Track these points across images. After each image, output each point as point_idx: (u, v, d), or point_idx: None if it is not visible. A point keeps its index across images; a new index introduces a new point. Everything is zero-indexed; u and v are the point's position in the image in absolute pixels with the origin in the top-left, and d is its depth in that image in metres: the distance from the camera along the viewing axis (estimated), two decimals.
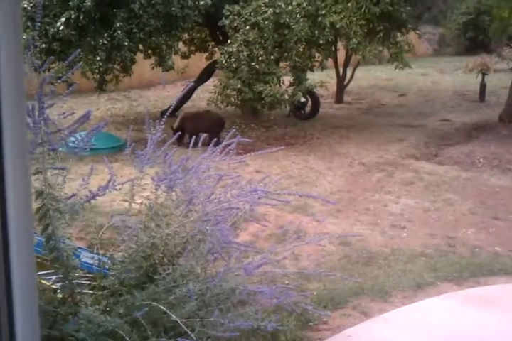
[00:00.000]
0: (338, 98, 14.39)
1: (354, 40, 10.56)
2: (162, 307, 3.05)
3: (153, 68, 11.68)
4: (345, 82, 14.26)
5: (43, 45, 9.28)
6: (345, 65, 14.11)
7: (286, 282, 4.32)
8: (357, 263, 5.60)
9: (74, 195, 3.24)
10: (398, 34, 11.71)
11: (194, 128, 9.16)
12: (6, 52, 0.77)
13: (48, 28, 9.49)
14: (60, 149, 3.10)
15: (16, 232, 0.81)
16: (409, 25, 12.45)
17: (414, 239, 6.34)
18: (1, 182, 0.79)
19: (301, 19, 10.48)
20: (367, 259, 5.72)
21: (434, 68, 19.76)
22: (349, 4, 10.63)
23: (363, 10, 10.55)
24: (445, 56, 21.13)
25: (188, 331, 3.04)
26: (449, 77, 18.24)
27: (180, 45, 12.48)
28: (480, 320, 4.33)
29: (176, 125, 9.72)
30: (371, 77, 17.83)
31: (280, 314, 3.74)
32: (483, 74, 14.62)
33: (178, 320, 3.01)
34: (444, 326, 4.21)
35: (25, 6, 9.50)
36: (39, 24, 3.52)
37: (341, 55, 13.90)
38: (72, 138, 3.15)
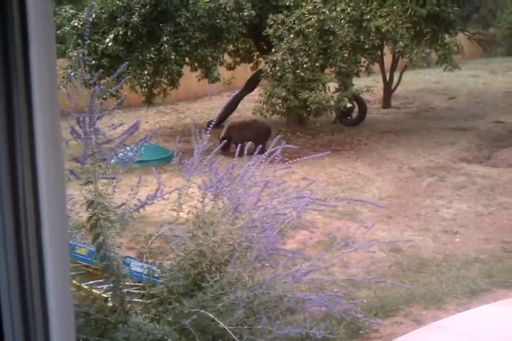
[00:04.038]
0: (386, 103, 14.20)
1: (401, 43, 10.41)
2: (210, 314, 3.08)
3: (199, 80, 11.87)
4: (393, 87, 14.07)
5: (93, 62, 9.57)
6: (392, 69, 13.93)
7: (335, 290, 4.27)
8: (408, 270, 5.49)
9: (123, 204, 3.32)
10: (446, 35, 11.48)
11: (240, 138, 9.21)
12: (39, 60, 0.79)
13: (97, 44, 9.79)
14: (111, 161, 3.18)
15: (50, 242, 0.82)
16: (458, 27, 12.17)
17: (468, 245, 6.17)
18: (35, 192, 0.81)
19: (346, 25, 10.42)
20: (418, 266, 5.60)
21: (485, 69, 19.24)
22: (394, 7, 10.49)
23: (408, 12, 10.38)
24: (496, 57, 20.53)
25: (237, 338, 3.05)
26: (501, 78, 17.71)
27: (226, 56, 12.64)
28: None
29: (222, 135, 9.82)
30: (419, 81, 17.53)
31: (329, 322, 3.71)
32: None
33: (227, 328, 3.03)
34: (501, 334, 4.06)
35: (76, 24, 9.86)
36: (88, 41, 3.63)
37: (388, 59, 13.74)
38: (122, 150, 3.24)
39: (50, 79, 0.81)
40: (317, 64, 10.41)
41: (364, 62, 11.43)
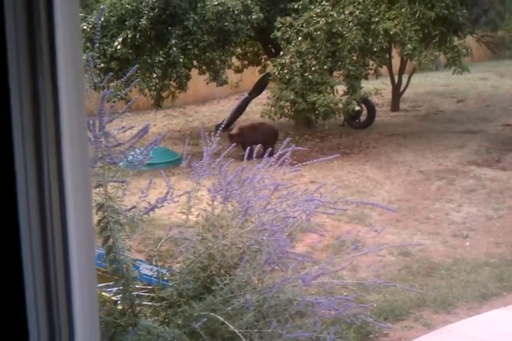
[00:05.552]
0: (394, 106, 14.16)
1: (409, 45, 10.37)
2: (220, 317, 3.07)
3: (207, 83, 11.89)
4: (401, 89, 14.03)
5: (102, 65, 9.61)
6: (401, 71, 13.89)
7: (345, 293, 4.25)
8: (418, 274, 5.46)
9: (133, 207, 3.33)
10: (455, 38, 11.43)
11: (248, 141, 9.21)
12: (66, 68, 0.79)
13: (106, 47, 9.84)
14: (120, 164, 3.18)
15: (76, 246, 0.82)
16: (466, 29, 12.13)
17: (478, 248, 6.13)
18: (62, 196, 0.80)
19: (354, 27, 10.42)
20: (428, 270, 5.57)
21: (494, 72, 19.15)
22: (403, 10, 10.46)
23: (417, 15, 10.35)
24: (505, 59, 20.43)
25: None
26: (510, 81, 17.61)
27: (234, 59, 12.65)
28: None
29: (231, 132, 9.88)
30: (428, 84, 17.46)
31: (339, 326, 3.69)
32: None
33: (236, 331, 3.02)
34: None
35: (85, 27, 9.90)
36: (98, 44, 3.65)
37: (396, 61, 13.70)
38: (132, 153, 3.24)
39: (76, 80, 0.81)
40: (325, 67, 10.40)
41: (372, 64, 11.41)
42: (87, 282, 0.84)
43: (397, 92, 14.07)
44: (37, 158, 0.78)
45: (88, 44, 9.79)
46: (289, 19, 10.57)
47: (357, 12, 10.56)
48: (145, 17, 9.84)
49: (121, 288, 3.23)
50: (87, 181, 0.86)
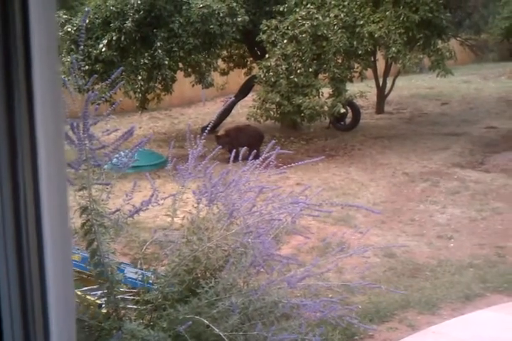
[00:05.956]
0: (379, 108, 14.25)
1: (393, 48, 10.45)
2: (205, 320, 3.06)
3: (193, 86, 11.88)
4: (386, 92, 14.13)
5: (87, 67, 9.56)
6: (385, 74, 13.99)
7: (330, 295, 4.26)
8: (403, 276, 5.49)
9: (118, 210, 3.31)
10: (439, 41, 11.55)
11: (234, 143, 9.22)
12: (41, 68, 0.79)
13: (90, 50, 9.78)
14: (105, 167, 3.17)
15: (52, 248, 0.81)
16: (450, 32, 12.26)
17: (462, 250, 6.18)
18: (37, 200, 0.80)
19: (339, 30, 10.47)
20: (413, 271, 5.60)
21: (477, 75, 19.36)
22: (387, 13, 10.55)
23: (401, 18, 10.44)
24: (488, 62, 20.67)
25: None
26: (493, 84, 17.83)
27: (219, 62, 12.65)
28: None
29: (218, 133, 9.93)
30: (412, 86, 17.61)
31: (325, 328, 3.69)
32: None
33: (222, 334, 3.02)
34: (495, 339, 4.07)
35: (69, 29, 9.84)
36: (82, 47, 3.63)
37: (381, 64, 13.80)
38: (116, 155, 3.22)
39: (53, 84, 0.81)
40: (311, 69, 10.44)
41: (357, 67, 11.48)
42: (62, 282, 0.84)
43: (381, 95, 14.16)
44: (12, 165, 0.78)
45: (73, 46, 9.76)
46: (274, 22, 10.60)
47: (342, 15, 10.61)
48: (130, 19, 9.80)
49: (106, 291, 3.20)
50: (62, 186, 0.85)
